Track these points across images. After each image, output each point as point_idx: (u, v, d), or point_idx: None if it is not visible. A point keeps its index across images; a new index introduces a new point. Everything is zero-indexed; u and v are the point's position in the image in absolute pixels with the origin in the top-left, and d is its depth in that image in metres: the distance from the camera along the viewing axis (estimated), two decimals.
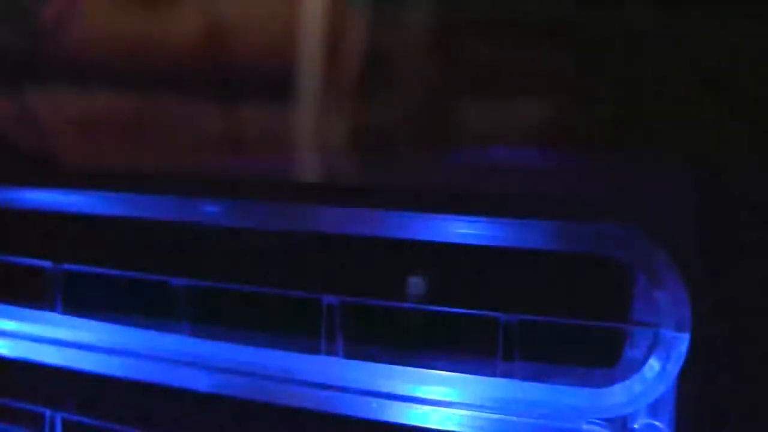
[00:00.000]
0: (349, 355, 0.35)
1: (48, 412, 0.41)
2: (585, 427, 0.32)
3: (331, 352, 0.35)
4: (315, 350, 0.35)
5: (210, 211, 0.36)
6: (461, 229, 0.33)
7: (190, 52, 0.36)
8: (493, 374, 0.33)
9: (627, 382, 0.31)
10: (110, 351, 0.39)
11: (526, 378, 0.33)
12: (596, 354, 0.32)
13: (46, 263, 0.40)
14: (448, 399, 0.34)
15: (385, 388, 0.34)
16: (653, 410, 0.32)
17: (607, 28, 0.30)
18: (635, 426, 0.32)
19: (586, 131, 0.31)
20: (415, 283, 0.35)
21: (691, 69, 0.29)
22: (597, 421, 0.32)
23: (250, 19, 0.35)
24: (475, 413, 0.33)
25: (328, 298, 0.35)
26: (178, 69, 0.37)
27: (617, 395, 0.32)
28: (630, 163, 0.31)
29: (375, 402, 0.34)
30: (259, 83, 0.35)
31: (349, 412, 0.35)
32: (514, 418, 0.33)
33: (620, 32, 0.30)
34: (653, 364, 0.31)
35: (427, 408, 0.34)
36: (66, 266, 0.40)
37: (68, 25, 0.39)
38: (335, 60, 0.34)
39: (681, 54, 0.29)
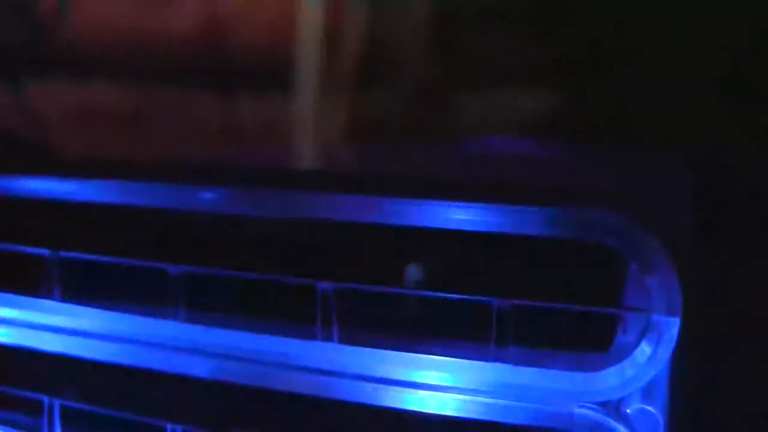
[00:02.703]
0: (345, 341, 0.35)
1: (46, 399, 0.41)
2: (577, 411, 0.32)
3: (326, 338, 0.35)
4: (310, 336, 0.36)
5: (208, 198, 0.36)
6: (456, 216, 0.33)
7: (188, 42, 0.36)
8: (487, 359, 0.33)
9: (619, 366, 0.32)
10: (108, 338, 0.39)
11: (519, 362, 0.33)
12: (589, 339, 0.33)
13: (44, 251, 0.40)
14: (442, 384, 0.34)
15: (380, 373, 0.35)
16: (646, 395, 0.32)
17: (602, 19, 0.30)
18: (628, 411, 0.32)
19: (579, 120, 0.31)
20: (410, 269, 0.35)
21: (684, 58, 0.29)
22: (590, 405, 0.32)
23: (248, 9, 0.36)
24: (469, 397, 0.33)
25: (323, 284, 0.35)
26: (176, 59, 0.37)
27: (609, 379, 0.32)
28: (623, 151, 0.31)
29: (370, 387, 0.35)
30: (258, 72, 0.35)
31: (344, 396, 0.35)
32: (508, 402, 0.33)
33: (615, 22, 0.30)
34: (645, 348, 0.31)
35: (421, 392, 0.34)
36: (64, 254, 0.40)
37: (68, 16, 0.39)
38: (334, 49, 0.34)
39: (675, 43, 0.29)
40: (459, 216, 0.33)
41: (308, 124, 0.36)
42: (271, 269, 0.36)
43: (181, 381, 0.38)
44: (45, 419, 0.41)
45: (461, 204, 0.33)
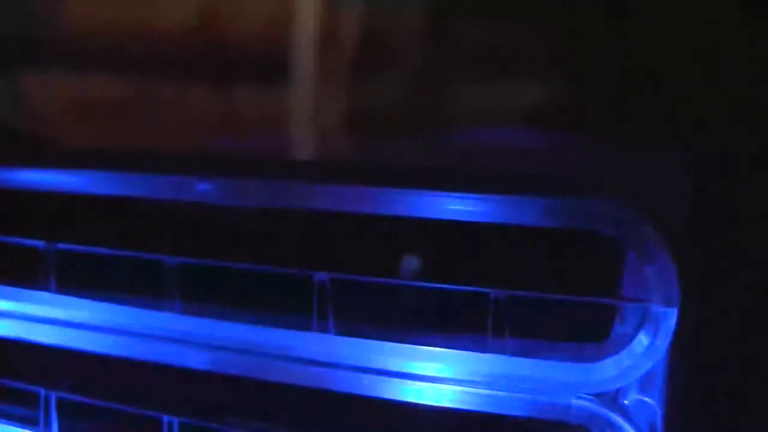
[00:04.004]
0: (341, 332, 0.35)
1: (42, 392, 0.41)
2: (574, 402, 0.32)
3: (322, 329, 0.35)
4: (307, 327, 0.36)
5: (204, 189, 0.36)
6: (453, 206, 0.33)
7: (185, 32, 0.36)
8: (484, 350, 0.33)
9: (616, 356, 0.32)
10: (104, 329, 0.39)
11: (516, 353, 0.33)
12: (586, 329, 0.33)
13: (40, 243, 0.40)
14: (439, 375, 0.34)
15: (376, 364, 0.35)
16: (644, 386, 0.32)
17: (600, 8, 0.30)
18: (626, 402, 0.32)
19: (578, 110, 0.31)
20: (407, 260, 0.35)
21: (682, 48, 0.29)
22: (587, 396, 0.32)
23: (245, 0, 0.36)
24: (466, 389, 0.33)
25: (319, 275, 0.35)
26: (173, 49, 0.37)
27: (607, 370, 0.32)
28: (621, 140, 0.31)
29: (366, 378, 0.35)
30: (255, 63, 0.35)
31: (340, 388, 0.35)
32: (505, 394, 0.33)
33: (612, 12, 0.30)
34: (642, 338, 0.31)
35: (418, 384, 0.34)
36: (60, 245, 0.40)
37: (64, 7, 0.39)
38: (330, 40, 0.34)
39: (673, 34, 0.29)
40: (456, 206, 0.33)
41: (305, 114, 0.36)
42: (267, 260, 0.36)
43: (177, 372, 0.38)
44: (41, 411, 0.41)
45: (458, 194, 0.32)
